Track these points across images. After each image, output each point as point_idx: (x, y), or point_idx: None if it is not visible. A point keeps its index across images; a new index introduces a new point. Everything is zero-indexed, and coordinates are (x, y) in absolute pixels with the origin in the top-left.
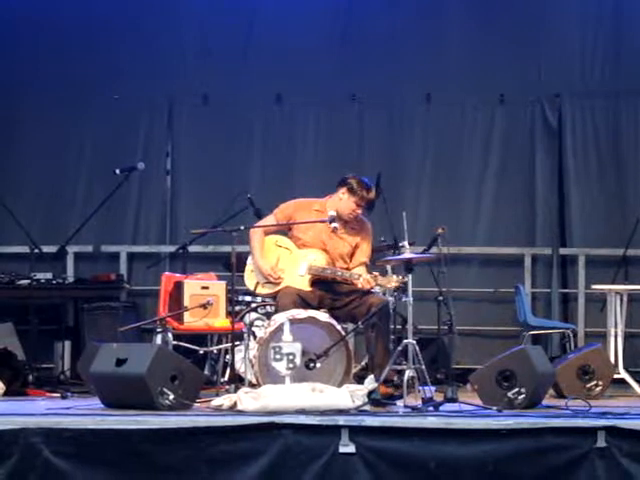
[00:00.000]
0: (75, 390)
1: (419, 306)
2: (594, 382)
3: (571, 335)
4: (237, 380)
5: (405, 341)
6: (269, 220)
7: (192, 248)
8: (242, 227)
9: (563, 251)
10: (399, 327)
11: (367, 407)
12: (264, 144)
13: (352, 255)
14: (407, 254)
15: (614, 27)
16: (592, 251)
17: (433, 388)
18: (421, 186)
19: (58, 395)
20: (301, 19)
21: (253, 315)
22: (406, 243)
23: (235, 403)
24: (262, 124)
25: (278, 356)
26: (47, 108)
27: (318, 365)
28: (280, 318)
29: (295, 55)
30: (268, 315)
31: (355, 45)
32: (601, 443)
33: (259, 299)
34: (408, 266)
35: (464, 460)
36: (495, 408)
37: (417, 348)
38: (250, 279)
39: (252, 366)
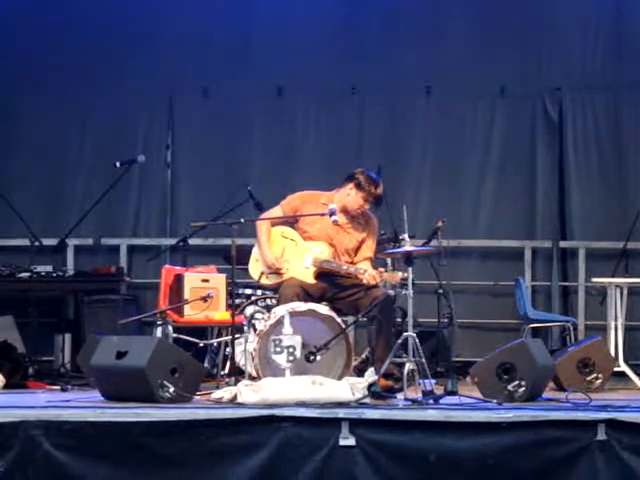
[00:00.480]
0: (75, 383)
1: (419, 299)
2: (594, 375)
3: (571, 328)
4: (237, 373)
5: (405, 334)
6: (276, 211)
7: (192, 241)
8: (242, 220)
9: (563, 244)
10: (399, 320)
11: (367, 400)
12: (264, 137)
13: (357, 250)
14: (407, 247)
15: (615, 21)
16: (592, 244)
17: (433, 381)
18: (421, 179)
19: (58, 388)
20: (301, 12)
21: (253, 308)
22: (406, 236)
23: (235, 396)
24: (262, 117)
25: (278, 349)
26: (47, 102)
27: (318, 358)
28: (280, 311)
29: (295, 48)
30: (268, 308)
31: (355, 38)
32: (601, 436)
33: (259, 292)
34: (408, 259)
35: (464, 453)
36: (495, 401)
37: (417, 341)
38: (254, 269)
39: (252, 359)
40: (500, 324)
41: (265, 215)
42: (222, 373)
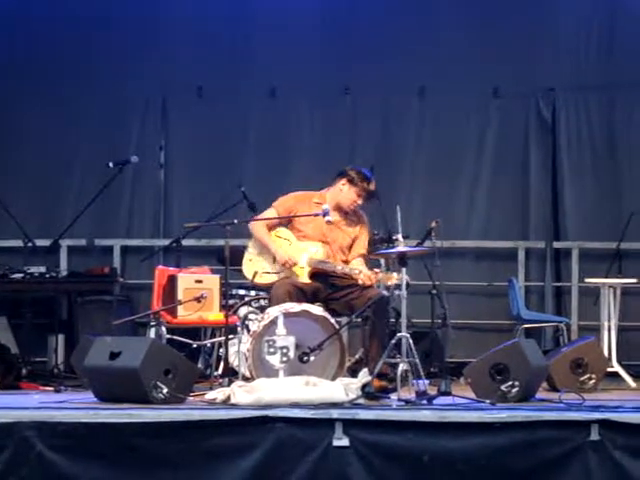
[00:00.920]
0: (69, 384)
1: (413, 300)
2: (587, 375)
3: (564, 328)
4: (231, 374)
5: (399, 334)
6: (270, 213)
7: (186, 242)
8: (236, 221)
9: (557, 245)
10: (393, 321)
11: (361, 400)
12: (258, 137)
13: (351, 247)
14: (401, 247)
15: (608, 21)
16: (586, 244)
17: (427, 381)
18: (415, 179)
19: (52, 389)
20: (295, 12)
21: (247, 308)
22: (400, 236)
23: (229, 397)
24: (256, 117)
25: (272, 349)
26: (41, 102)
27: (312, 358)
28: (274, 312)
29: (289, 49)
30: (262, 309)
31: (349, 38)
32: (594, 436)
33: (253, 293)
34: (402, 260)
35: (457, 453)
36: (488, 401)
37: (411, 341)
38: (248, 269)
39: (246, 360)
40: (493, 324)
41: (260, 217)
42: (216, 374)
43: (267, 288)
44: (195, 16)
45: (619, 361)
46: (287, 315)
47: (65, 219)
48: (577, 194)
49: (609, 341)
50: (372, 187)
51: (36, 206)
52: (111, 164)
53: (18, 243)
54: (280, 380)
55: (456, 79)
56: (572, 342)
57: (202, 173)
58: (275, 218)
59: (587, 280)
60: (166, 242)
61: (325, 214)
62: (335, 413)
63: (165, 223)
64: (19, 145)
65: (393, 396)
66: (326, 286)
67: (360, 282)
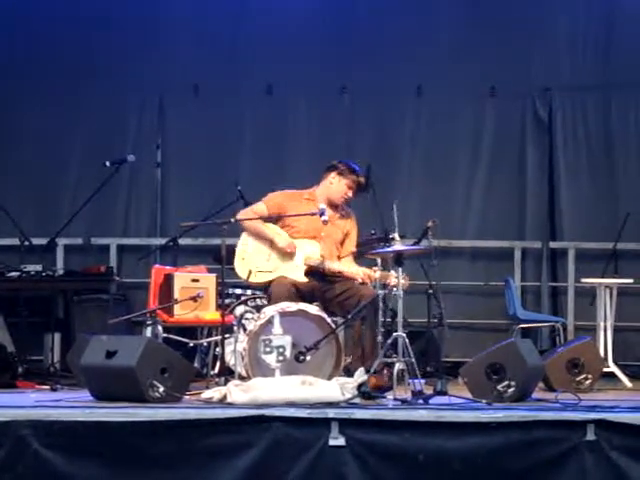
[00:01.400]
0: (65, 382)
1: (409, 299)
2: (584, 375)
3: (561, 328)
4: (227, 373)
5: (395, 334)
6: (260, 207)
7: (182, 241)
8: (232, 219)
9: (553, 244)
10: (389, 320)
11: (357, 400)
12: (255, 136)
13: (342, 242)
14: (397, 246)
15: (605, 21)
16: (582, 245)
17: (423, 381)
18: (411, 179)
19: (48, 387)
20: (291, 10)
21: (243, 308)
22: (396, 235)
23: (225, 396)
24: (253, 116)
25: (268, 349)
26: (37, 101)
27: (308, 358)
28: (270, 311)
29: (285, 46)
30: (258, 308)
31: (345, 37)
32: (590, 436)
33: (249, 292)
34: (398, 259)
35: (453, 453)
36: (485, 401)
37: (407, 341)
38: (242, 268)
39: (242, 359)
40: (490, 324)
41: (249, 212)
42: (212, 373)
43: (262, 287)
44: (192, 15)
45: (615, 361)
46: (283, 314)
47: (62, 218)
48: (573, 194)
49: (605, 341)
50: (362, 179)
51: (33, 204)
52: (108, 163)
53: (14, 241)
54: (276, 379)
55: (453, 79)
56: (568, 342)
57: (199, 172)
58: (265, 216)
59: (583, 280)
60: (163, 241)
61: (322, 213)
62: (331, 412)
63: (162, 222)
64: (16, 144)
65: (389, 396)
66: (321, 285)
67: (359, 279)
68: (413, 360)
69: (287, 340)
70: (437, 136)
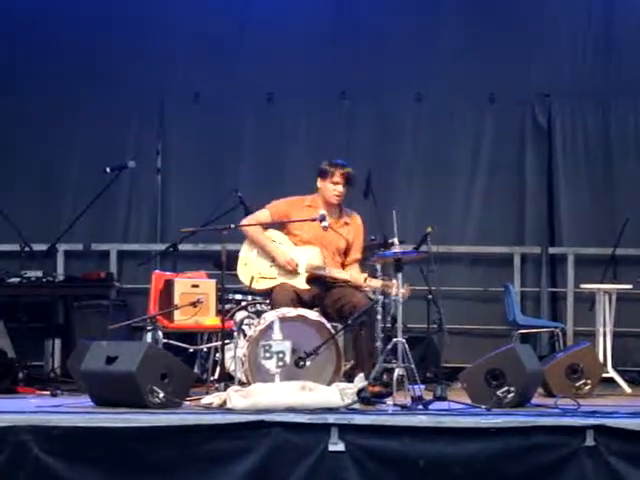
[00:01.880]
0: (65, 388)
1: (409, 305)
2: (583, 381)
3: (560, 334)
4: (227, 378)
5: (395, 340)
6: (264, 214)
7: (182, 246)
8: (232, 225)
9: (552, 250)
10: (389, 326)
11: (357, 405)
12: (255, 142)
13: (347, 250)
14: (396, 252)
15: (604, 28)
16: (581, 250)
17: (422, 387)
18: (411, 185)
19: (48, 393)
20: (292, 18)
21: (243, 313)
22: (396, 241)
23: (225, 401)
24: (253, 122)
25: (268, 354)
26: (38, 107)
27: (308, 363)
28: (270, 316)
29: (286, 53)
30: (258, 313)
31: (345, 44)
32: (589, 442)
33: (249, 298)
34: (398, 265)
35: (453, 458)
36: (484, 407)
37: (406, 347)
38: (244, 274)
39: (242, 364)
40: (489, 330)
41: (252, 219)
42: (212, 379)
43: (264, 293)
44: (193, 23)
45: (614, 367)
46: (283, 320)
47: (62, 223)
48: (573, 200)
49: (604, 347)
50: (344, 170)
51: (33, 211)
52: (108, 169)
53: (15, 247)
54: (276, 385)
55: (452, 85)
56: (568, 348)
57: (199, 178)
58: (268, 223)
59: (582, 286)
60: (163, 247)
61: (322, 219)
62: (331, 418)
63: (162, 228)
64: (16, 150)
65: (389, 401)
66: (321, 292)
67: (362, 285)
68: (413, 366)
69: (287, 346)
70: (436, 142)
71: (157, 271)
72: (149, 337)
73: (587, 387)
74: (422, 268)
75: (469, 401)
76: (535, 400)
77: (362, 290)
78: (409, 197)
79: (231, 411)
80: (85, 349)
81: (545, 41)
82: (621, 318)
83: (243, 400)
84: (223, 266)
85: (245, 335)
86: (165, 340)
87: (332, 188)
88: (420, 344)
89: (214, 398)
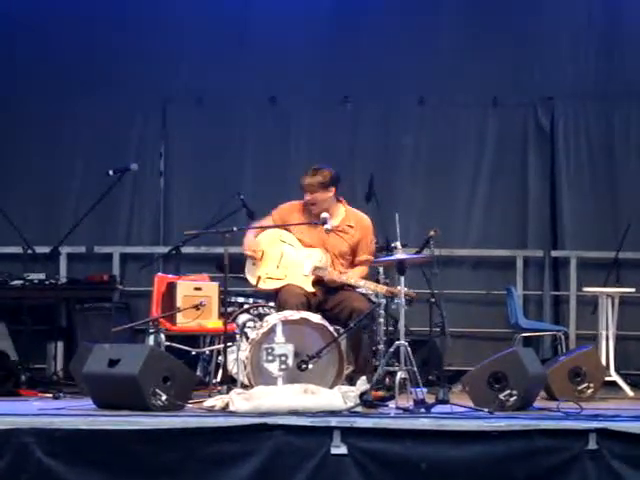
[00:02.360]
0: (67, 390)
1: (411, 308)
2: (585, 384)
3: (562, 337)
4: (229, 381)
5: (397, 342)
6: (267, 221)
7: (185, 249)
8: (235, 228)
9: (555, 253)
10: (391, 329)
11: (359, 408)
12: (258, 145)
13: (354, 253)
14: (399, 255)
15: (607, 30)
16: (584, 254)
17: (425, 390)
18: (414, 188)
19: (50, 395)
20: (294, 20)
21: (246, 316)
22: (399, 244)
23: (227, 404)
24: (256, 125)
25: (270, 357)
26: (40, 109)
27: (310, 366)
28: (272, 319)
29: (288, 56)
30: (261, 316)
31: (348, 46)
32: (592, 445)
33: (252, 300)
34: (400, 268)
35: (456, 461)
36: (486, 410)
37: (409, 350)
38: (251, 273)
39: (244, 367)
40: (492, 333)
41: (256, 224)
42: (214, 381)
43: (270, 294)
44: (196, 25)
45: (617, 370)
46: (286, 323)
47: (65, 226)
48: (575, 203)
49: (607, 350)
50: (308, 179)
51: (36, 213)
52: (111, 172)
53: (18, 250)
54: (279, 388)
55: (455, 88)
56: (570, 351)
57: (202, 181)
58: (270, 226)
59: (585, 289)
60: (165, 249)
61: (324, 222)
62: (333, 421)
63: (164, 230)
64: (19, 152)
65: (391, 404)
66: (324, 295)
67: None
68: (415, 369)
69: (289, 348)
70: (439, 145)
71: (160, 274)
72: (151, 340)
73: (590, 390)
74: (425, 271)
75: (471, 404)
76: (537, 403)
77: (364, 294)
78: (412, 200)
79: (233, 414)
80: (88, 352)
81: (548, 43)
82: (624, 321)
83: (245, 403)
84: (226, 269)
85: (248, 338)
86: (167, 343)
87: (307, 197)
88: (422, 347)
89: (216, 401)
